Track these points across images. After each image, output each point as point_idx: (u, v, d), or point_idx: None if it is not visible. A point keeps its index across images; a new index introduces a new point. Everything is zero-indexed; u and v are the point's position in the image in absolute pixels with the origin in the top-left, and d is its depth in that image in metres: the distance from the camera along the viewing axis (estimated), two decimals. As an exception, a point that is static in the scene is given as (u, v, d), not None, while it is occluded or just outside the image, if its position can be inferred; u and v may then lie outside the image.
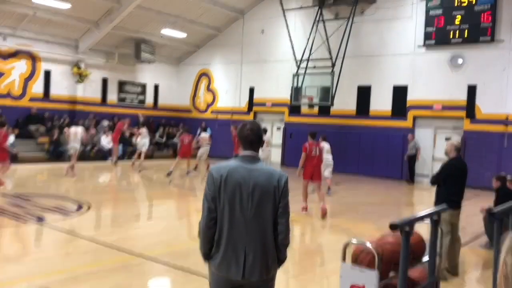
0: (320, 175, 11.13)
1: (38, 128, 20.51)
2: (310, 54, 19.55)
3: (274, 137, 23.27)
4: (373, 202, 13.35)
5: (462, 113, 17.68)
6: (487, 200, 11.07)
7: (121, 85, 24.48)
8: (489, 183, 12.98)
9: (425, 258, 4.44)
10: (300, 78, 19.87)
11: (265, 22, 23.09)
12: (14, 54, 20.29)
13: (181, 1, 21.62)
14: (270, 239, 3.22)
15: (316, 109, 21.08)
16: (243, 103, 24.18)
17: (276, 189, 3.19)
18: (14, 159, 18.18)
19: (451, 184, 6.73)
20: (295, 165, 19.25)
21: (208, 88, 25.82)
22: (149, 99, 25.85)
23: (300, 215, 10.99)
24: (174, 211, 11.37)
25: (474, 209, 11.51)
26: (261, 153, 15.86)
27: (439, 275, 5.07)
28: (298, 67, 19.91)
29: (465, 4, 17.52)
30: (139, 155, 17.75)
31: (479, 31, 17.22)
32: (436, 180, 6.90)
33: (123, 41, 23.42)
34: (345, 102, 20.12)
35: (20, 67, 20.58)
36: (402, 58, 19.12)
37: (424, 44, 18.48)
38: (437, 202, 6.69)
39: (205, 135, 17.98)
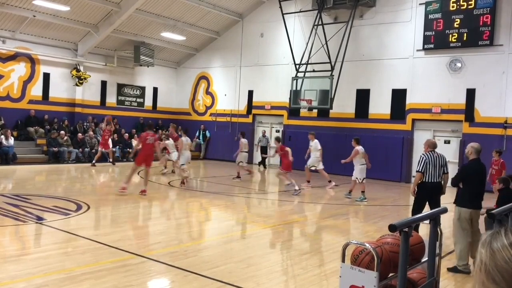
0: (290, 167, 14.48)
1: (37, 130, 20.53)
2: (309, 57, 19.59)
3: (273, 139, 23.30)
4: (373, 204, 13.36)
5: (461, 117, 17.71)
6: (487, 202, 11.08)
7: (120, 87, 24.51)
8: (488, 185, 13.03)
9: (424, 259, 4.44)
10: (299, 81, 19.92)
11: (264, 25, 23.14)
12: (14, 57, 20.31)
13: (180, 5, 21.66)
14: None
15: (314, 111, 21.16)
16: (242, 106, 24.20)
17: None
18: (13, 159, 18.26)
19: (470, 185, 7.11)
20: (294, 167, 19.18)
21: (207, 91, 25.84)
22: (148, 102, 25.88)
23: (300, 216, 11.00)
24: (173, 212, 11.36)
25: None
26: (239, 157, 17.11)
27: (439, 275, 5.08)
28: (297, 70, 19.96)
29: (464, 8, 17.58)
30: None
31: (478, 35, 17.27)
32: (456, 181, 7.31)
33: (122, 44, 23.46)
34: (344, 105, 20.17)
35: (19, 69, 20.60)
36: (401, 61, 19.15)
37: (423, 48, 18.53)
38: (456, 201, 7.26)
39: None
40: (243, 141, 17.60)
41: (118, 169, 18.88)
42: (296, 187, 14.07)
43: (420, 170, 8.26)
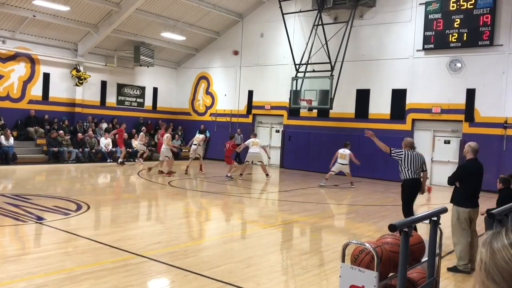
0: (231, 161, 17.43)
1: (37, 130, 20.53)
2: (309, 57, 19.59)
3: (273, 139, 23.31)
4: (373, 203, 13.37)
5: (461, 117, 17.71)
6: (488, 202, 11.07)
7: (120, 88, 24.50)
8: (489, 185, 13.02)
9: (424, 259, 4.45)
10: (299, 81, 19.92)
11: (264, 25, 23.14)
12: (14, 57, 20.31)
13: (180, 5, 21.66)
14: None
15: (314, 111, 21.17)
16: (242, 106, 24.20)
17: None
18: (13, 160, 18.27)
19: (468, 184, 7.09)
20: (294, 167, 19.14)
21: (207, 91, 25.84)
22: (148, 102, 25.88)
23: (300, 216, 10.99)
24: (173, 211, 11.36)
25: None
26: (193, 149, 18.28)
27: (439, 275, 5.08)
28: (297, 70, 19.96)
29: (464, 8, 17.58)
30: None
31: (478, 35, 17.27)
32: (452, 180, 7.28)
33: (122, 44, 23.46)
34: (344, 105, 20.17)
35: (19, 69, 20.59)
36: (401, 61, 19.15)
37: (423, 48, 18.53)
38: (453, 201, 7.21)
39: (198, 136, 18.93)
40: (197, 135, 18.85)
41: (120, 169, 18.89)
42: (229, 174, 16.83)
43: (391, 151, 9.07)
